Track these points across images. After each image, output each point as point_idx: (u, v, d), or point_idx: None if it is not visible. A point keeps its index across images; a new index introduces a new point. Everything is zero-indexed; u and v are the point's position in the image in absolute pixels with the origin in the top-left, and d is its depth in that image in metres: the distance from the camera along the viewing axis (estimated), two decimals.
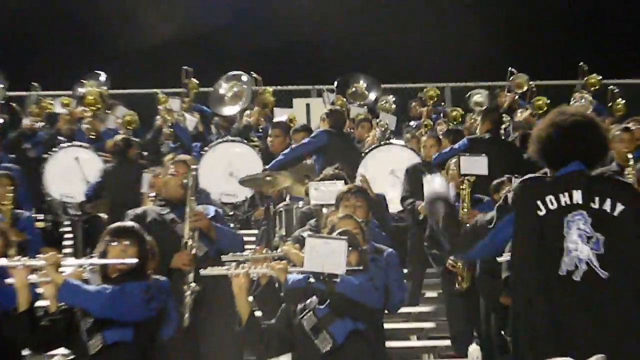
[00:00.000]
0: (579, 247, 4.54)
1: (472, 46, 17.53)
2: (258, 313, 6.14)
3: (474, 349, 8.10)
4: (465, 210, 8.82)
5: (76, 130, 13.24)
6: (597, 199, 4.60)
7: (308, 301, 5.94)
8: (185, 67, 15.11)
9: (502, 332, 7.98)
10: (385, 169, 11.54)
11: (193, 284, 7.10)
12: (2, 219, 8.54)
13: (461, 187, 8.94)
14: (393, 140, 12.87)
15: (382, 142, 12.37)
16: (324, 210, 7.84)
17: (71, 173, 11.98)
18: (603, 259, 4.51)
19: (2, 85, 14.78)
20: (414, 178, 10.18)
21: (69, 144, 12.58)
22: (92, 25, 18.60)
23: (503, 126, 12.33)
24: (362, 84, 15.38)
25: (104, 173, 11.39)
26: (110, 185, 11.14)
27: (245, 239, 9.22)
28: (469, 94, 15.64)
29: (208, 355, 7.72)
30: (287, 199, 10.20)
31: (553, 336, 4.48)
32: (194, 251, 7.34)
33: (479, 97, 15.36)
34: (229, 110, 14.79)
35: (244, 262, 5.89)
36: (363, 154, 11.78)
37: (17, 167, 11.42)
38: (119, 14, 19.02)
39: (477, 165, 9.06)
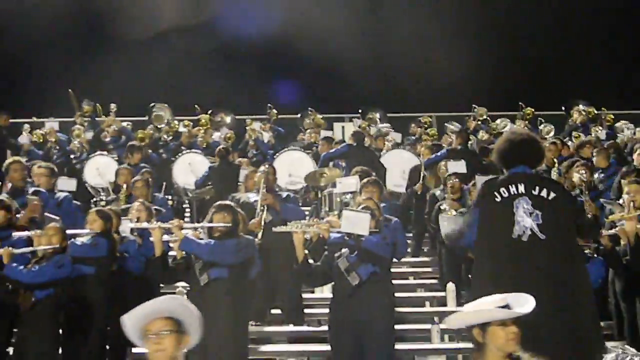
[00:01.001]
0: (524, 219, 4.52)
1: (452, 88, 17.37)
2: (310, 261, 6.06)
3: (450, 286, 8.00)
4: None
5: (193, 142, 13.24)
6: (537, 188, 4.58)
7: (342, 251, 5.92)
8: (269, 105, 15.13)
9: (470, 276, 7.86)
10: (400, 164, 11.56)
11: (258, 240, 7.06)
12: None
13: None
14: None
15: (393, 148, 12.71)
16: (348, 195, 8.25)
17: (189, 169, 11.96)
18: (541, 226, 4.49)
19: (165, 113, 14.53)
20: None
21: (188, 150, 12.59)
22: (206, 65, 18.39)
23: (470, 142, 12.15)
24: (376, 114, 15.36)
25: (210, 169, 11.30)
26: (215, 178, 11.06)
27: None
28: (446, 124, 15.40)
29: (277, 286, 7.70)
30: (329, 186, 10.14)
31: (507, 276, 4.43)
32: (263, 218, 7.40)
33: (452, 127, 15.18)
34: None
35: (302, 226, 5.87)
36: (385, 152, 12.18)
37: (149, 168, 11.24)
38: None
39: (458, 166, 9.30)
